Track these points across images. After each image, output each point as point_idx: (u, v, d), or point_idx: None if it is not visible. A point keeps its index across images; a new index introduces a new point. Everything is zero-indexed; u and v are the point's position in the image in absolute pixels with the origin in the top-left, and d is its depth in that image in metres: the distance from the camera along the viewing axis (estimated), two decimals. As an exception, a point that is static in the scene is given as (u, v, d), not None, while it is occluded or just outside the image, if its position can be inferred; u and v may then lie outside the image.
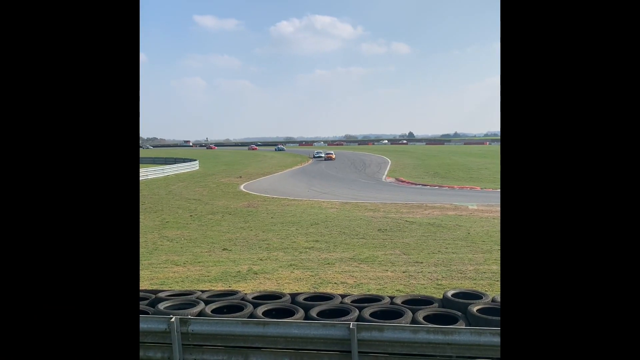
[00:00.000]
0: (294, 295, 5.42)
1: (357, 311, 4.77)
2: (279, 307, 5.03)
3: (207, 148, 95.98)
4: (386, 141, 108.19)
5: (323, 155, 45.47)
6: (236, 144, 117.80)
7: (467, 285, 7.35)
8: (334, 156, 44.80)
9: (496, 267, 8.18)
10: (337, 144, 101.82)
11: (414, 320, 4.58)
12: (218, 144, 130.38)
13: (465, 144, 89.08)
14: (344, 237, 11.42)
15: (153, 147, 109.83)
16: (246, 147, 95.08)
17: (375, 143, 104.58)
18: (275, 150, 72.62)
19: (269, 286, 7.66)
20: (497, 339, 3.76)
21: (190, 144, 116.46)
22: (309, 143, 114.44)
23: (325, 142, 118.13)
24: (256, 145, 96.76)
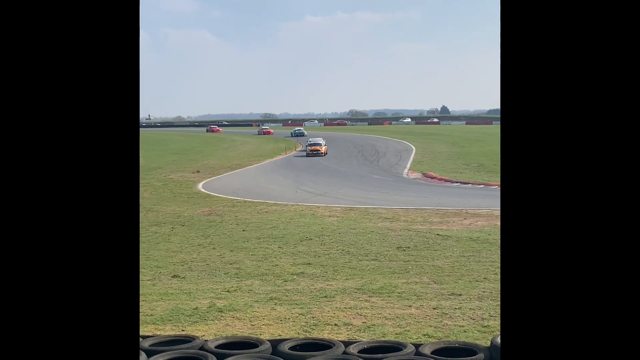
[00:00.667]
0: (276, 343, 5.43)
1: (368, 365, 4.79)
2: (254, 358, 5.05)
3: (208, 130, 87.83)
4: (409, 119, 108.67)
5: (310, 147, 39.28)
6: (241, 123, 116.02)
7: (525, 328, 7.39)
8: (323, 149, 38.68)
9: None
10: (338, 124, 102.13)
11: (449, 379, 4.61)
12: (166, 124, 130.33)
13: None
14: (349, 259, 11.46)
15: None
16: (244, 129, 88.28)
17: (394, 122, 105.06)
18: (292, 135, 65.24)
19: (240, 329, 7.69)
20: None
21: None
22: (297, 122, 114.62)
23: (320, 120, 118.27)
24: (262, 125, 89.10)
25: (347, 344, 5.40)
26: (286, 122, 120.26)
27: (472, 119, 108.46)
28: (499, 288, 9.12)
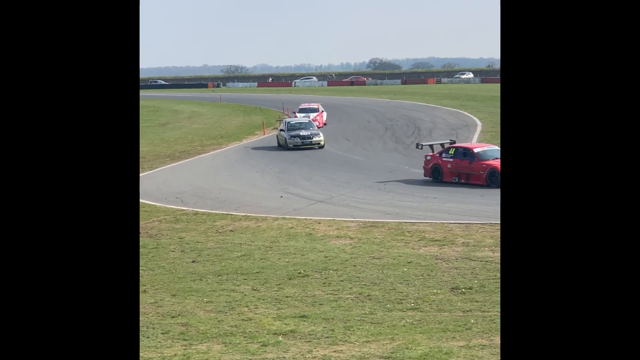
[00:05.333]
0: None
1: None
2: None
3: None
4: (470, 75, 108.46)
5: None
6: (189, 82, 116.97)
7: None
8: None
9: None
10: (352, 83, 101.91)
11: None
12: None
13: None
14: (370, 307, 11.48)
15: None
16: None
17: (445, 79, 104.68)
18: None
19: None
20: None
21: None
22: (282, 82, 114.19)
23: (322, 77, 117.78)
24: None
25: None
26: (264, 79, 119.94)
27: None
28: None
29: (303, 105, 46.99)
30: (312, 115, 42.89)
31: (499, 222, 15.98)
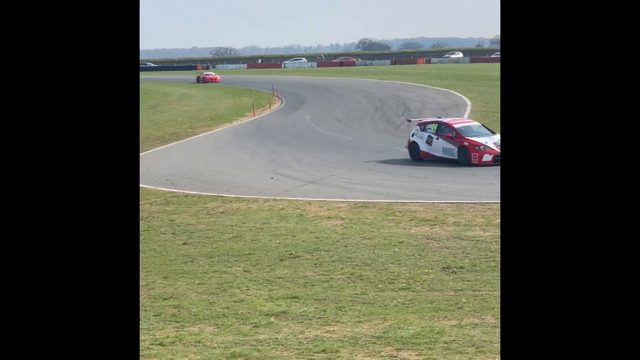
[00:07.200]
0: None
1: None
2: None
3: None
4: (460, 55, 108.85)
5: None
6: (178, 64, 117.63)
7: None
8: None
9: None
10: (342, 63, 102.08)
11: None
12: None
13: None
14: (362, 287, 11.50)
15: None
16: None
17: (434, 59, 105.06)
18: None
19: (182, 408, 7.70)
20: None
21: None
22: (271, 63, 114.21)
23: (312, 58, 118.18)
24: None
25: None
26: (253, 61, 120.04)
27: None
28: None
29: (426, 120, 26.51)
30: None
31: (490, 201, 16.02)
